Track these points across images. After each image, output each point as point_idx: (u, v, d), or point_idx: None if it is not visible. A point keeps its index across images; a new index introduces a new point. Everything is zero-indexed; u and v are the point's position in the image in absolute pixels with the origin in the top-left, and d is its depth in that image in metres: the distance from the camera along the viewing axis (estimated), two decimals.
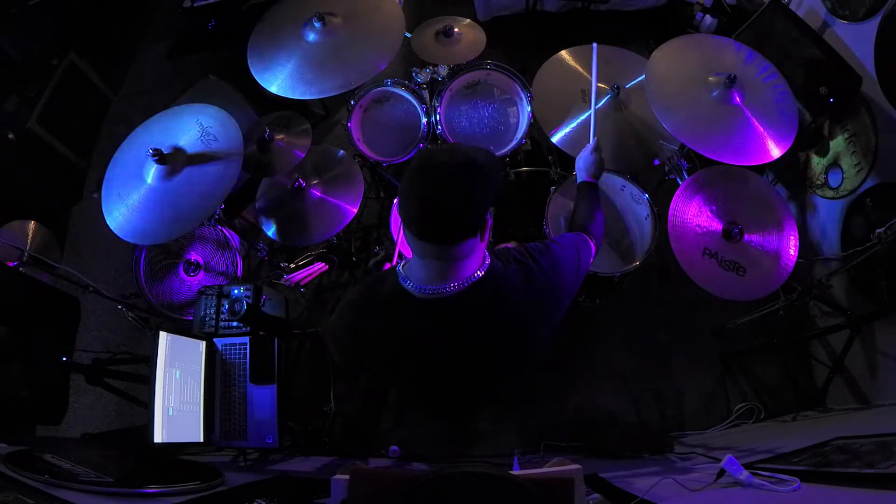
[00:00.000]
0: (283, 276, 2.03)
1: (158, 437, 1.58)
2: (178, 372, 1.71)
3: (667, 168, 1.94)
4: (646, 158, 1.94)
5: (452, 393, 1.28)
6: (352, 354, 1.26)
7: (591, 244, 1.31)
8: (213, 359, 1.85)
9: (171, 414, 1.64)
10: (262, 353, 1.85)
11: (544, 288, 1.12)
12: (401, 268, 1.11)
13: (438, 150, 1.05)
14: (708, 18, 2.85)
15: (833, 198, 2.22)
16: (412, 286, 1.06)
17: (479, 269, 1.06)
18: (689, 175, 1.84)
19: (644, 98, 1.79)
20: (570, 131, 1.92)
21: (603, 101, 1.94)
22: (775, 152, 1.70)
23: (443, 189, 0.96)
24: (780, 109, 1.76)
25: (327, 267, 2.06)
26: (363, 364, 1.34)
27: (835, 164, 2.21)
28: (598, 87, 1.94)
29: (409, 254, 1.18)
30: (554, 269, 1.14)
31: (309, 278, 2.01)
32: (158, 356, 1.65)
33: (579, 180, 1.53)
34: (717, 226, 1.79)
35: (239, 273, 2.16)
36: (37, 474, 1.26)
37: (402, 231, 1.74)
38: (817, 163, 2.31)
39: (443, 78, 2.11)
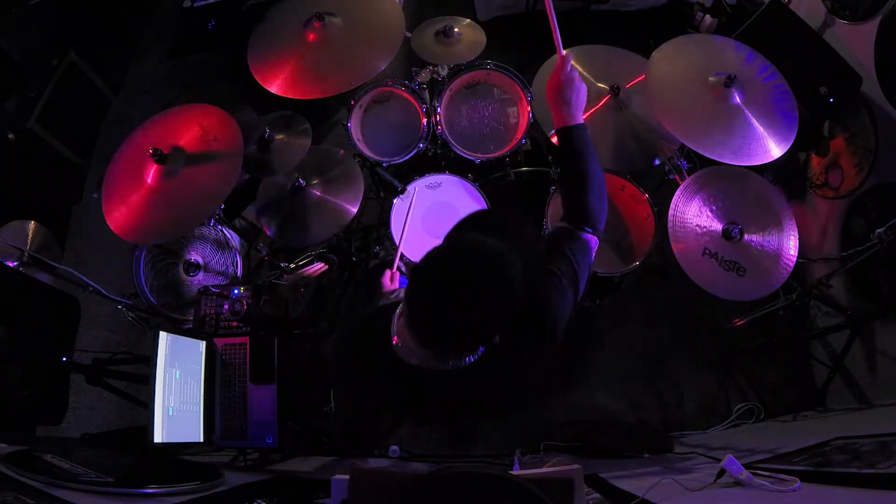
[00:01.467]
0: (283, 276, 2.03)
1: (158, 437, 1.57)
2: (178, 372, 1.71)
3: (667, 168, 1.94)
4: (646, 158, 1.94)
5: (449, 409, 1.25)
6: (347, 380, 1.19)
7: (590, 238, 1.15)
8: (213, 359, 1.85)
9: (171, 414, 1.64)
10: (262, 353, 1.85)
11: (548, 354, 1.02)
12: (395, 332, 0.95)
13: (456, 261, 0.82)
14: (708, 18, 2.85)
15: (833, 198, 2.22)
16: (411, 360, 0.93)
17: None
18: (689, 175, 1.84)
19: (644, 98, 1.79)
20: None
21: (602, 100, 1.94)
22: (775, 152, 1.70)
23: (453, 321, 0.80)
24: (780, 109, 1.76)
25: (327, 267, 2.07)
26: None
27: (835, 164, 2.21)
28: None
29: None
30: (556, 328, 1.02)
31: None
32: (158, 356, 1.65)
33: (559, 125, 1.11)
34: (717, 226, 1.79)
35: (239, 273, 2.16)
36: (37, 474, 1.26)
37: (403, 233, 1.74)
38: (817, 163, 2.31)
39: (443, 78, 2.11)
